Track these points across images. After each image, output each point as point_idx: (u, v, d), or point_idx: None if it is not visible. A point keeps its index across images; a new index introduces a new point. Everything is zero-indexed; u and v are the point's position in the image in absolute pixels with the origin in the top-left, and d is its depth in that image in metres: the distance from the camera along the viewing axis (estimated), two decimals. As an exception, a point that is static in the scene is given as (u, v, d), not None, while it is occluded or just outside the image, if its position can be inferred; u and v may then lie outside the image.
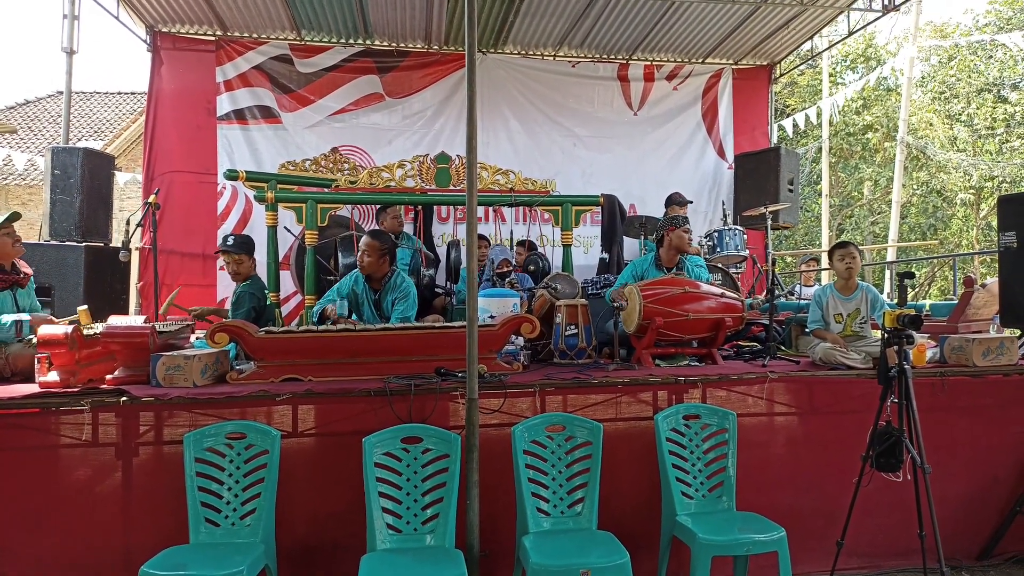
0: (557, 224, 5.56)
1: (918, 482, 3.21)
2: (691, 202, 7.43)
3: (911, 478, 3.26)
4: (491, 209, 7.36)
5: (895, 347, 3.31)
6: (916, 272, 16.27)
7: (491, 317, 4.16)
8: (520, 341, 4.18)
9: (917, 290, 17.43)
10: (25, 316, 3.88)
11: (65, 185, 6.08)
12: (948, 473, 3.78)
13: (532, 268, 6.19)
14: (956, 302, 4.76)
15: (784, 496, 3.74)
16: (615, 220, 7.33)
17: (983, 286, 4.64)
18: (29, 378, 3.59)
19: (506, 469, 3.27)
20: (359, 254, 4.54)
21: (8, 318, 3.82)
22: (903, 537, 3.65)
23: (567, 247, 5.59)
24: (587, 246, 8.26)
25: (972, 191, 16.92)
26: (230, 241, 4.85)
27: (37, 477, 3.22)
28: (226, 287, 7.15)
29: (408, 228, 7.01)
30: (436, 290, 6.17)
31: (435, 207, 7.64)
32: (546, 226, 7.05)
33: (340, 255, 5.86)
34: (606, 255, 7.46)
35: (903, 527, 3.57)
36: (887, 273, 11.38)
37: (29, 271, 4.18)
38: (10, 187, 15.65)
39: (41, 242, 6.05)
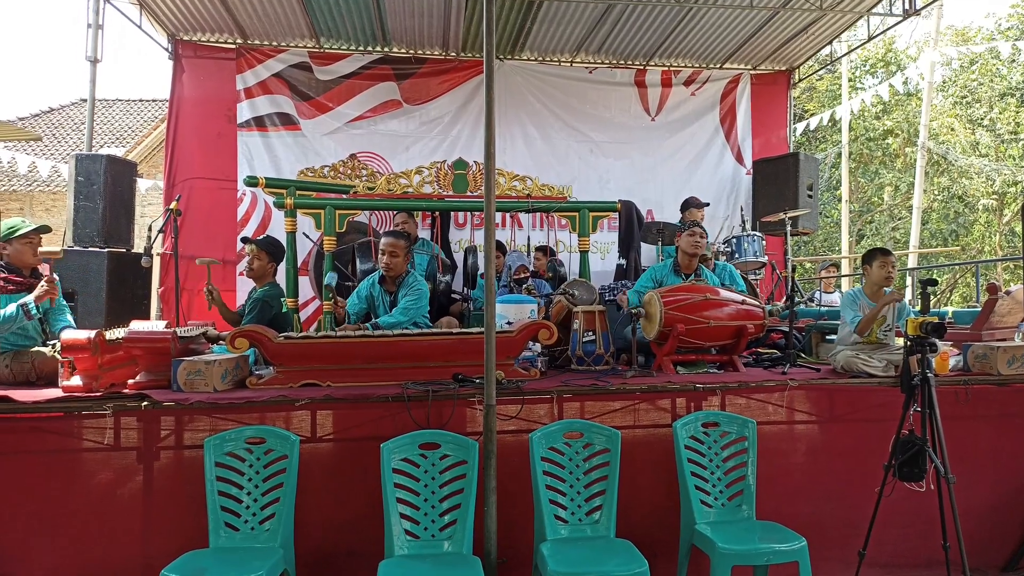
0: (574, 230, 5.55)
1: (942, 492, 3.17)
2: (707, 204, 7.39)
3: (934, 488, 3.21)
4: (508, 215, 7.36)
5: (918, 355, 3.27)
6: (938, 279, 16.06)
7: (508, 323, 4.16)
8: (537, 347, 4.17)
9: (939, 297, 17.22)
10: (28, 297, 3.84)
11: (88, 191, 6.15)
12: (972, 483, 3.72)
13: (551, 275, 6.19)
14: (979, 309, 4.70)
15: (805, 505, 3.70)
16: (632, 226, 7.32)
17: (1007, 293, 4.58)
18: (53, 382, 3.64)
19: (524, 476, 3.26)
20: (382, 256, 4.56)
21: (11, 307, 3.80)
22: (926, 548, 3.59)
23: (584, 253, 5.57)
24: (604, 252, 8.24)
25: (995, 196, 16.69)
26: (260, 237, 4.95)
27: (59, 481, 3.25)
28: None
29: (425, 234, 7.04)
30: (453, 296, 6.18)
31: (452, 213, 7.66)
32: (563, 232, 7.05)
33: (358, 261, 5.89)
34: (623, 261, 7.44)
35: (926, 538, 3.51)
36: (908, 279, 11.25)
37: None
38: (35, 194, 15.91)
39: (65, 248, 6.12)
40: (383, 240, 4.60)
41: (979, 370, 4.03)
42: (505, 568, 3.22)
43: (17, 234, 4.00)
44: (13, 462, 3.22)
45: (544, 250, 6.59)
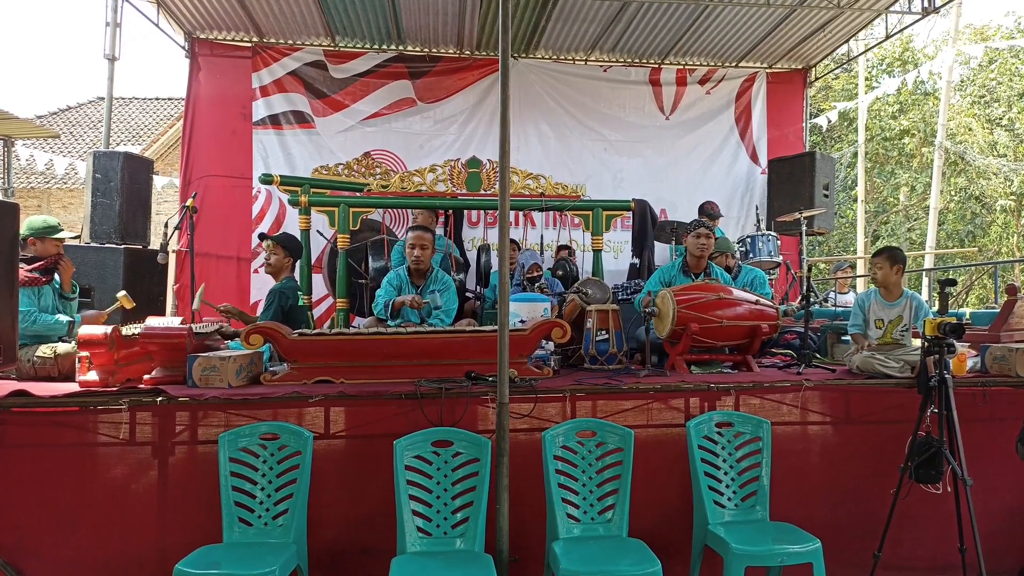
0: (588, 229, 5.54)
1: (959, 494, 3.14)
2: (721, 216, 7.34)
3: (951, 490, 3.18)
4: (521, 213, 7.34)
5: (935, 356, 3.24)
6: (956, 279, 15.92)
7: (521, 321, 4.15)
8: (550, 346, 4.16)
9: (955, 298, 17.04)
10: (64, 318, 4.11)
11: (106, 188, 6.21)
12: (990, 486, 3.68)
13: (561, 273, 6.18)
14: (997, 311, 4.64)
15: (819, 506, 3.67)
16: (646, 225, 7.29)
17: (1027, 295, 4.52)
18: (72, 378, 3.67)
19: (536, 474, 3.26)
20: (412, 249, 4.61)
21: (64, 318, 4.14)
22: (942, 551, 3.56)
23: (597, 252, 5.57)
24: (617, 251, 8.22)
25: (1012, 197, 16.51)
26: (277, 233, 5.02)
27: (75, 475, 3.28)
28: (259, 290, 7.26)
29: (438, 231, 7.05)
30: (466, 294, 6.19)
31: (465, 211, 7.67)
32: (576, 231, 7.04)
33: (371, 259, 5.90)
34: (637, 260, 7.42)
35: (942, 541, 3.48)
36: (924, 280, 11.16)
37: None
38: (52, 191, 16.07)
39: (82, 244, 6.18)
40: (411, 234, 4.67)
41: (997, 372, 3.98)
42: (517, 566, 3.22)
43: (52, 235, 4.28)
44: (30, 456, 3.25)
45: (566, 248, 6.61)
